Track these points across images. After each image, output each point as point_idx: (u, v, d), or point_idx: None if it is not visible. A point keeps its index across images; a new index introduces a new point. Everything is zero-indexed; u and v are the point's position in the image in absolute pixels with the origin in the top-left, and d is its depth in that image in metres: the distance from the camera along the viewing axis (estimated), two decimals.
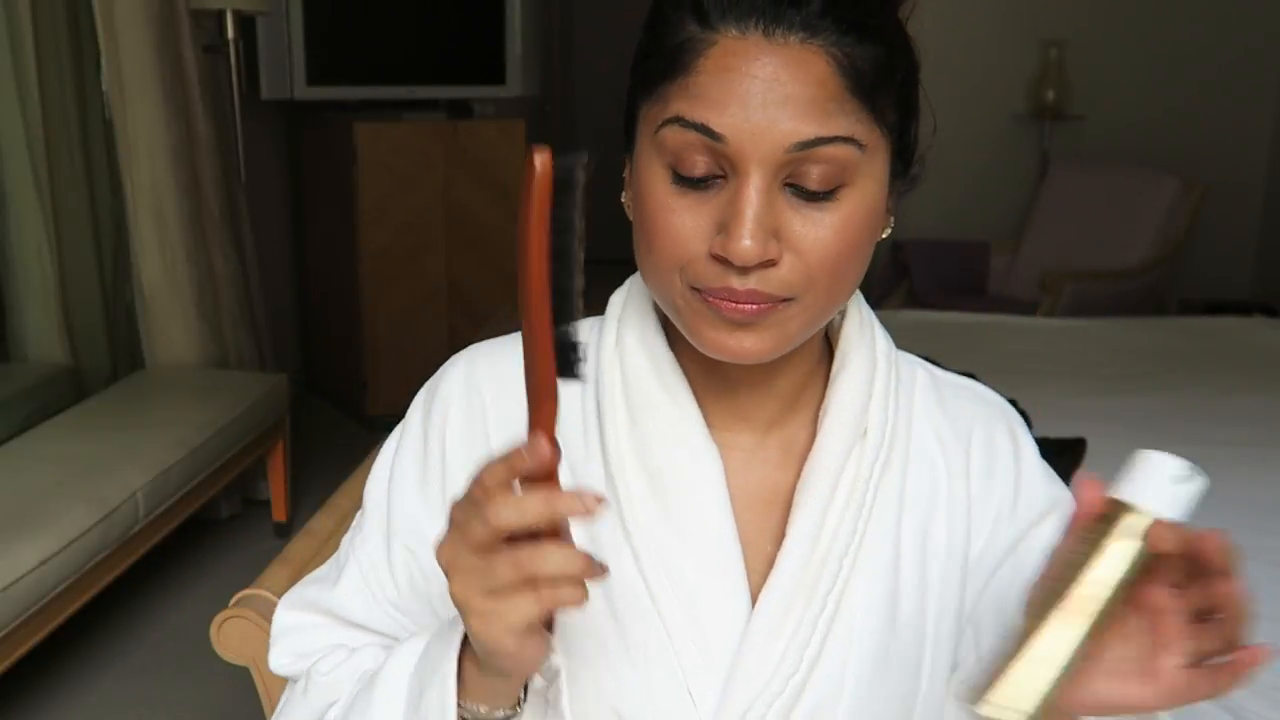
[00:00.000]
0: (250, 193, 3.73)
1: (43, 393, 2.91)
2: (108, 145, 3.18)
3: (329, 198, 4.12)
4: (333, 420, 4.17)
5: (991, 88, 4.73)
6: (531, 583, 0.59)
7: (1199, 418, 2.60)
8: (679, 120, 0.68)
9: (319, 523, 1.32)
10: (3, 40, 2.90)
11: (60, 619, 2.24)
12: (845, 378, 0.80)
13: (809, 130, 0.66)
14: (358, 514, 0.88)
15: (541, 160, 0.57)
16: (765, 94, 0.66)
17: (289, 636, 0.85)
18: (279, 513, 3.21)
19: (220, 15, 3.40)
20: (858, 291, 0.81)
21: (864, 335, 0.82)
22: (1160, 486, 0.60)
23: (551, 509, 0.59)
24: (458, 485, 0.70)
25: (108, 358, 3.28)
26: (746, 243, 0.66)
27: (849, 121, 0.67)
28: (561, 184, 0.58)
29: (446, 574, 0.62)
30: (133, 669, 2.52)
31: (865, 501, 0.78)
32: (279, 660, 0.85)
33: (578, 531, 0.71)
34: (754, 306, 0.69)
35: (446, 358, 0.88)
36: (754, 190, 0.67)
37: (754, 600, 0.77)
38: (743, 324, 0.70)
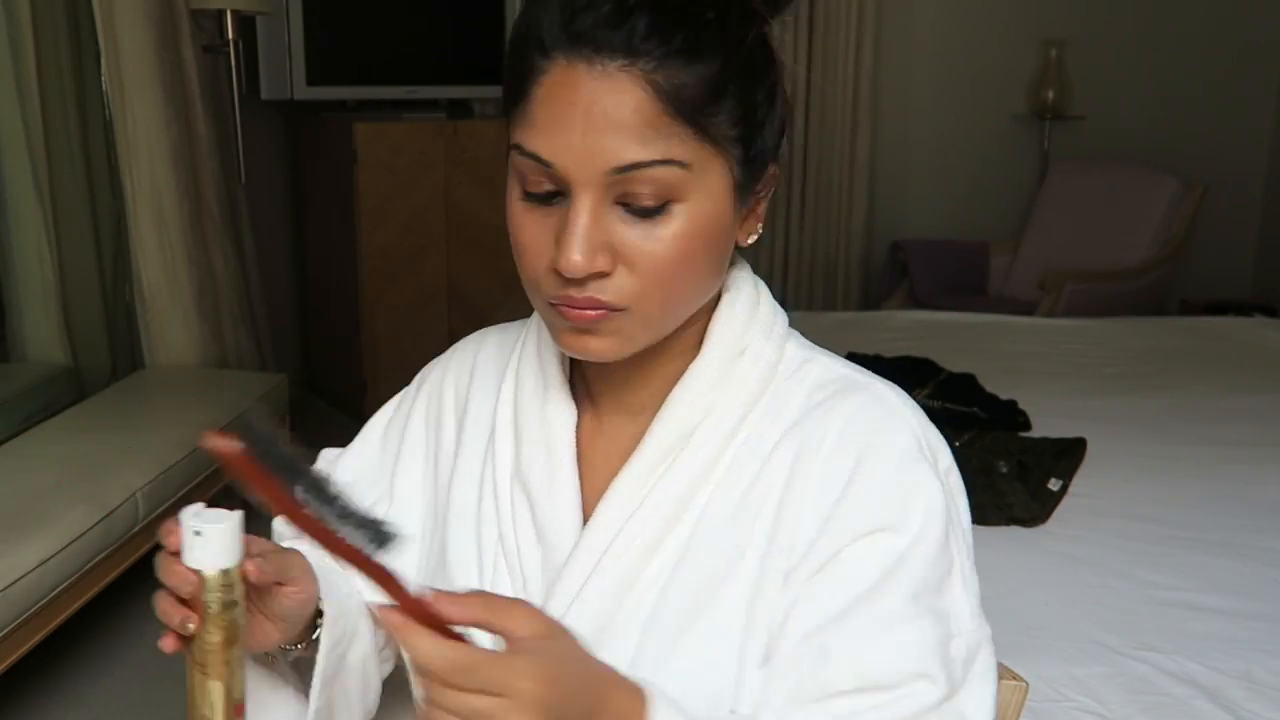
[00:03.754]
0: (250, 193, 3.73)
1: (43, 393, 2.91)
2: (108, 145, 3.18)
3: (329, 198, 4.12)
4: (332, 421, 4.17)
5: (991, 88, 4.72)
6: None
7: (1199, 418, 2.60)
8: (518, 148, 0.75)
9: None
10: (3, 40, 2.90)
11: (60, 619, 2.23)
12: (693, 375, 0.83)
13: (628, 155, 0.72)
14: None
15: (214, 445, 0.58)
16: (585, 121, 0.71)
17: None
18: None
19: (220, 15, 3.40)
20: (746, 284, 0.85)
21: (729, 331, 0.84)
22: (193, 545, 0.70)
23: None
24: (413, 453, 1.01)
25: (108, 358, 3.28)
26: (575, 257, 0.73)
27: (669, 144, 0.72)
28: (262, 451, 0.60)
29: None
30: (133, 669, 2.52)
31: (669, 496, 0.82)
32: None
33: (472, 478, 0.90)
34: (593, 313, 0.75)
35: None
36: (583, 209, 0.73)
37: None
38: (585, 329, 0.77)
